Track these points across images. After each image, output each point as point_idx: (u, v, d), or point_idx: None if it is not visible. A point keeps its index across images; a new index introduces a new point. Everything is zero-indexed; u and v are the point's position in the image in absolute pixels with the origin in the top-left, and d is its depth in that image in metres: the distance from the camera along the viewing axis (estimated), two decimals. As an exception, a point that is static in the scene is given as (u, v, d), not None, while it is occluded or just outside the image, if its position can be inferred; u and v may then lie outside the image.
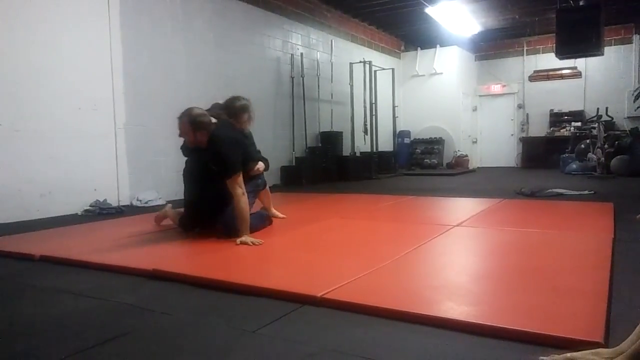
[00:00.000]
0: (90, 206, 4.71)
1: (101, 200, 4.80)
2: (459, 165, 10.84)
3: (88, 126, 4.85)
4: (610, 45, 10.01)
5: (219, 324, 1.70)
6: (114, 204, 4.93)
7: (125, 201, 5.16)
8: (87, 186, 4.81)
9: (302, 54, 7.95)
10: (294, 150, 7.79)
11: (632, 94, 9.22)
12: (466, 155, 11.18)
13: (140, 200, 5.15)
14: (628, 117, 10.23)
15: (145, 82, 5.46)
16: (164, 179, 5.63)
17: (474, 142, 12.16)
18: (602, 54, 8.30)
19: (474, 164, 11.61)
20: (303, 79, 7.91)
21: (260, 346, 1.52)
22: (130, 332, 1.65)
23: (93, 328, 1.70)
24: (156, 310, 1.85)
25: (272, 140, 7.48)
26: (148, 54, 5.51)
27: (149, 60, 5.53)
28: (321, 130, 8.44)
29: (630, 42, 10.42)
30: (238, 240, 2.86)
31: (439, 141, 11.31)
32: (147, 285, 2.20)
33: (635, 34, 10.34)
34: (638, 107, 8.94)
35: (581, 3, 8.02)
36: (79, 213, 4.63)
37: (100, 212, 4.60)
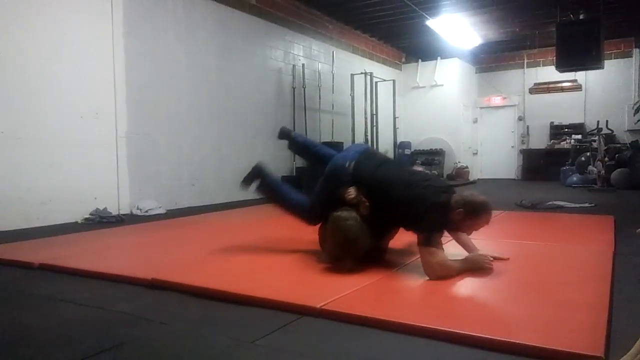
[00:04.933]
0: (90, 214, 4.71)
1: (101, 208, 4.80)
2: (459, 177, 10.84)
3: (89, 134, 4.87)
4: (611, 58, 10.05)
5: (217, 334, 1.69)
6: (114, 212, 4.92)
7: (125, 210, 5.15)
8: (88, 194, 4.81)
9: (303, 64, 7.99)
10: (294, 160, 7.80)
11: (632, 107, 9.25)
12: (466, 167, 11.19)
13: (141, 209, 5.14)
14: (628, 130, 10.23)
15: (147, 91, 5.49)
16: (164, 188, 5.63)
17: (475, 154, 12.16)
18: (602, 68, 8.33)
19: (474, 175, 11.61)
20: (304, 90, 7.94)
21: (258, 357, 1.51)
22: (127, 341, 1.64)
23: (91, 337, 1.70)
24: (154, 320, 1.85)
25: (273, 150, 7.47)
26: (150, 62, 5.55)
27: (152, 69, 5.56)
28: (322, 141, 8.44)
29: (630, 56, 10.46)
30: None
31: (439, 152, 11.33)
32: (145, 295, 2.20)
33: (635, 47, 10.38)
34: (638, 121, 8.96)
35: (581, 16, 8.07)
36: (79, 221, 4.63)
37: (100, 221, 4.59)
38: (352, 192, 2.56)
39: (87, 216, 4.69)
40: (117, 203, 5.11)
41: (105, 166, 5.04)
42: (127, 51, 5.24)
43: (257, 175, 3.09)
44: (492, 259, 2.47)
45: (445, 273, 2.27)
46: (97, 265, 2.68)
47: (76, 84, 4.75)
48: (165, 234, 3.88)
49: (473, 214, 2.39)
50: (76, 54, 4.75)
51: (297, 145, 3.28)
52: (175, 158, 5.87)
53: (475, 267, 2.40)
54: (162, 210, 5.28)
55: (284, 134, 3.29)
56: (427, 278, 2.26)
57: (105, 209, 4.82)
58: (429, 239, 2.31)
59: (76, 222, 4.59)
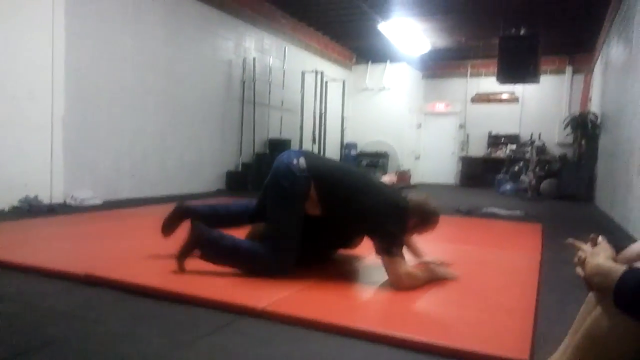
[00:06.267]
0: (19, 202, 4.43)
1: (32, 196, 4.52)
2: (401, 180, 11.12)
3: (22, 116, 4.57)
4: (546, 74, 10.66)
5: (155, 334, 1.64)
6: (46, 201, 4.66)
7: (58, 199, 4.88)
8: (17, 181, 4.52)
9: (254, 58, 7.90)
10: (241, 155, 7.71)
11: (563, 122, 9.87)
12: (409, 171, 11.49)
13: (75, 199, 4.89)
14: (558, 144, 10.92)
15: (88, 74, 5.22)
16: (101, 177, 5.39)
17: (417, 158, 12.53)
18: (538, 82, 8.84)
19: (415, 179, 11.95)
20: (254, 84, 7.86)
21: (197, 358, 1.49)
22: (57, 340, 1.56)
23: (17, 335, 1.60)
24: (87, 318, 1.77)
25: (220, 144, 7.36)
26: (93, 45, 5.28)
27: (94, 52, 5.30)
28: (270, 137, 8.40)
29: (564, 73, 11.16)
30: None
31: (384, 155, 11.55)
32: (78, 291, 2.10)
33: (569, 64, 11.09)
34: (567, 135, 9.57)
35: (522, 32, 8.50)
36: (6, 209, 4.33)
37: (30, 210, 4.33)
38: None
39: (15, 204, 4.41)
40: (50, 191, 4.84)
41: (38, 151, 4.75)
42: (68, 30, 4.95)
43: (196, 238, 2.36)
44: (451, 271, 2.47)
45: (413, 283, 2.19)
46: (26, 257, 2.53)
47: (9, 63, 4.44)
48: (101, 227, 3.72)
49: (424, 221, 2.39)
50: (11, 30, 4.44)
51: (204, 217, 2.59)
52: (116, 146, 5.63)
53: (439, 277, 2.36)
54: (98, 201, 5.06)
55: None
56: (382, 284, 2.25)
57: (36, 197, 4.55)
58: (392, 248, 2.20)
59: (2, 210, 4.30)
